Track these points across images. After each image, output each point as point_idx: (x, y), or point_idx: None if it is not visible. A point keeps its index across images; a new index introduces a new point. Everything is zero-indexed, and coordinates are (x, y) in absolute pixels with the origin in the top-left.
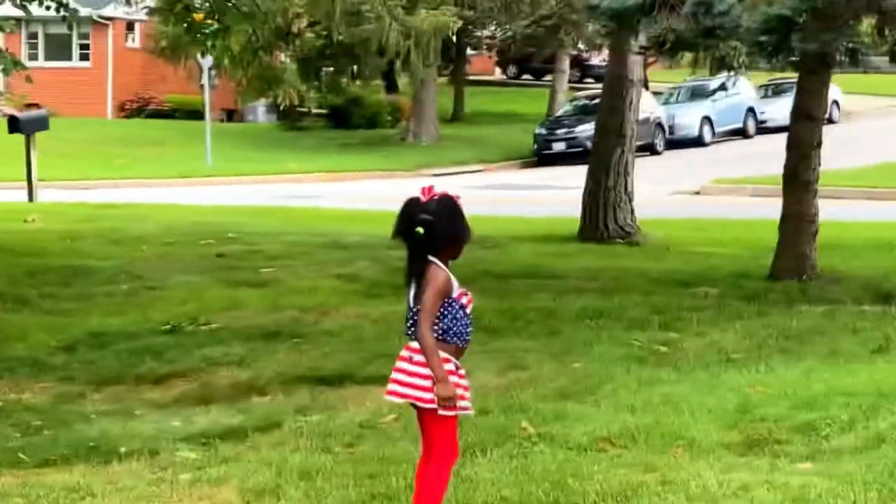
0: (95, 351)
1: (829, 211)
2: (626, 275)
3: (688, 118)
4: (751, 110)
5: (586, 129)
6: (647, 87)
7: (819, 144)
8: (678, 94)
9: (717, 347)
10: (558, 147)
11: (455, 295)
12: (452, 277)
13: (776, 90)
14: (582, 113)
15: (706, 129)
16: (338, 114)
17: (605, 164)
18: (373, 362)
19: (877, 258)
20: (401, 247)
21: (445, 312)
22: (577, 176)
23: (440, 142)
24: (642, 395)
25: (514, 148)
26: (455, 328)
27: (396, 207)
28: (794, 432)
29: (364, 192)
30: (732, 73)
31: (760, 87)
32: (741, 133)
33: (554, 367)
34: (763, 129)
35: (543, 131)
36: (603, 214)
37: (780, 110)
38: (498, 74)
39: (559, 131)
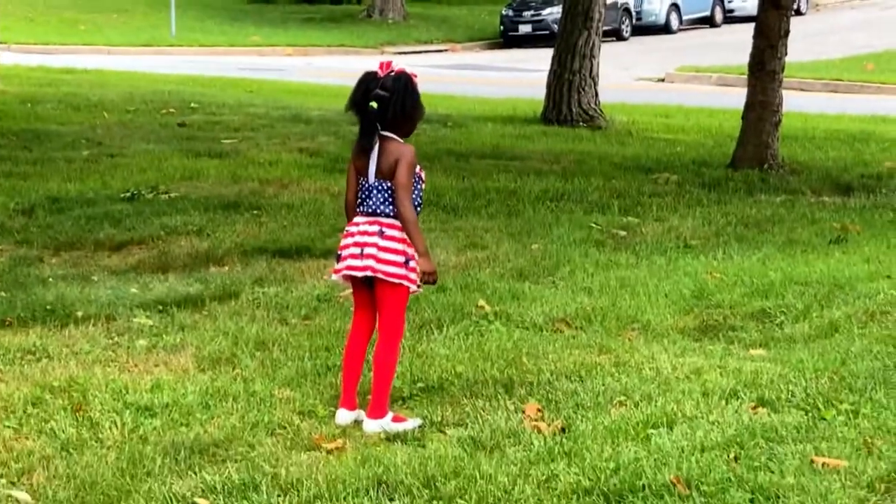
0: (54, 216)
1: (793, 102)
2: (588, 158)
3: (655, 4)
4: None
5: (553, 12)
6: None
7: (786, 34)
8: None
9: (675, 233)
10: (524, 29)
11: (417, 170)
12: None
13: None
14: None
15: (673, 16)
16: None
17: (570, 47)
18: (332, 236)
19: (838, 150)
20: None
21: (412, 187)
22: (542, 59)
23: (406, 20)
24: (599, 278)
25: (481, 29)
26: (417, 201)
27: None
28: (749, 319)
29: (328, 67)
30: None
31: None
32: (708, 21)
33: (513, 247)
34: (731, 19)
35: (510, 13)
36: (567, 97)
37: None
38: None
39: (526, 13)
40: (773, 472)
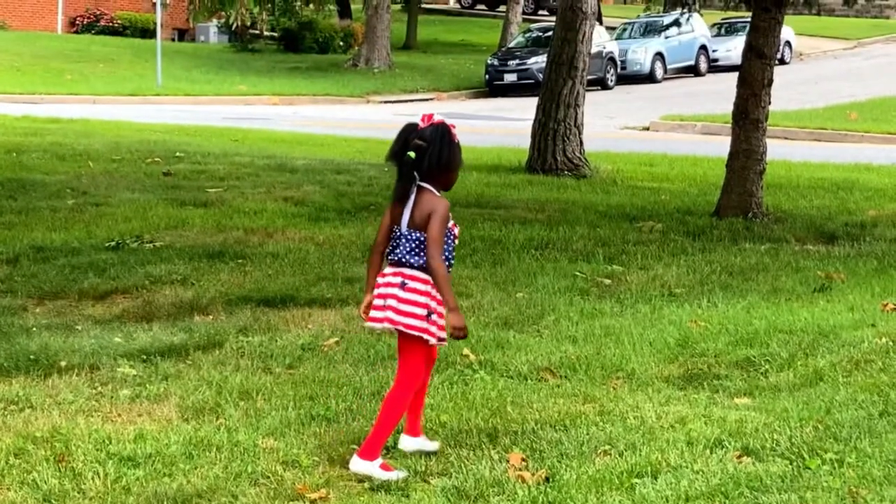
0: (38, 265)
1: (777, 151)
2: (573, 207)
3: (640, 54)
4: (703, 48)
5: (538, 61)
6: (600, 21)
7: (770, 83)
8: (631, 30)
9: (660, 282)
10: (510, 78)
11: (450, 224)
12: None
13: (729, 29)
14: (534, 45)
15: (658, 65)
16: (290, 37)
17: (555, 96)
18: (316, 285)
19: (822, 199)
20: (347, 171)
21: (443, 241)
22: (527, 108)
23: (392, 69)
24: (584, 327)
25: (466, 78)
26: (448, 256)
27: (346, 132)
28: (734, 368)
29: (313, 117)
30: (686, 9)
31: (714, 25)
32: (693, 71)
33: (497, 295)
34: (715, 68)
35: (495, 62)
36: (552, 146)
37: (732, 49)
38: (452, 3)
39: (511, 62)
40: None
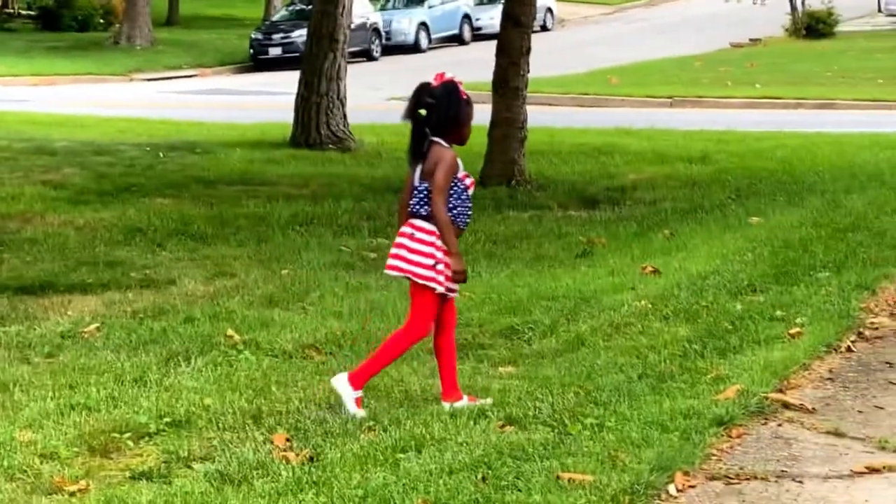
0: None
1: (540, 118)
2: (338, 181)
3: (404, 24)
4: (466, 17)
5: (303, 34)
6: None
7: (528, 51)
8: (395, 0)
9: None
10: (274, 52)
11: (460, 175)
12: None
13: None
14: (299, 18)
15: (423, 35)
16: (47, 15)
17: (316, 69)
18: (77, 270)
19: (584, 164)
20: (108, 152)
21: (452, 192)
22: (292, 82)
23: (154, 46)
24: (349, 302)
25: (231, 53)
26: (459, 208)
27: (109, 112)
28: (498, 336)
29: (74, 97)
30: None
31: None
32: (457, 39)
33: (262, 273)
34: (479, 36)
35: (259, 36)
36: (315, 120)
37: (495, 17)
38: None
39: (275, 36)
40: (520, 491)
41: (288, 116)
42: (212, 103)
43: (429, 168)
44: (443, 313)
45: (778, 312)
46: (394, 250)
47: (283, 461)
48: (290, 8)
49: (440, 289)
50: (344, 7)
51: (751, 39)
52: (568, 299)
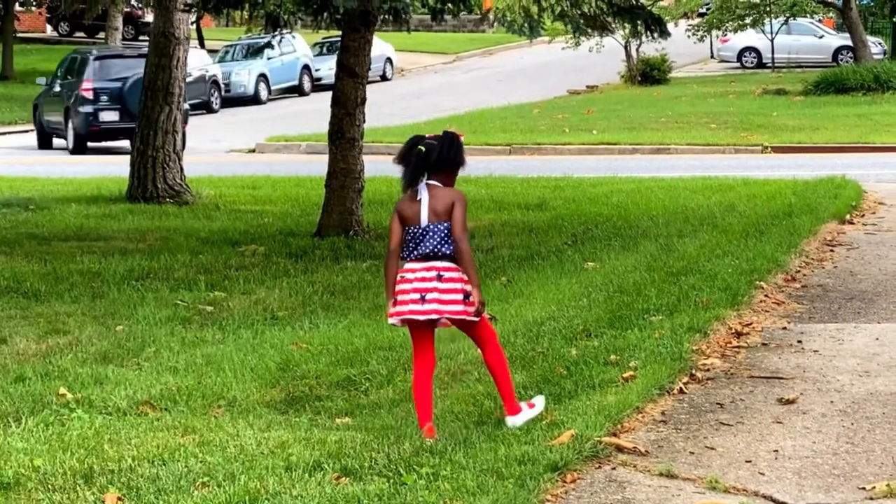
0: None
1: (379, 167)
2: (175, 235)
3: (244, 76)
4: (306, 68)
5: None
6: (202, 45)
7: (363, 101)
8: (233, 52)
9: (262, 305)
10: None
11: None
12: None
13: (330, 48)
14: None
15: (262, 86)
16: None
17: (152, 122)
18: None
19: None
20: None
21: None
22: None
23: None
24: (185, 356)
25: None
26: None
27: None
28: (335, 388)
29: None
30: (281, 31)
31: (315, 44)
32: (297, 90)
33: (96, 329)
34: (319, 87)
35: None
36: (152, 174)
37: (334, 68)
38: (50, 31)
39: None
40: None
41: (125, 170)
42: (47, 159)
43: (444, 207)
44: (478, 331)
45: (612, 356)
46: (415, 295)
47: None
48: None
49: (468, 318)
50: (179, 60)
51: (588, 86)
52: (405, 349)
